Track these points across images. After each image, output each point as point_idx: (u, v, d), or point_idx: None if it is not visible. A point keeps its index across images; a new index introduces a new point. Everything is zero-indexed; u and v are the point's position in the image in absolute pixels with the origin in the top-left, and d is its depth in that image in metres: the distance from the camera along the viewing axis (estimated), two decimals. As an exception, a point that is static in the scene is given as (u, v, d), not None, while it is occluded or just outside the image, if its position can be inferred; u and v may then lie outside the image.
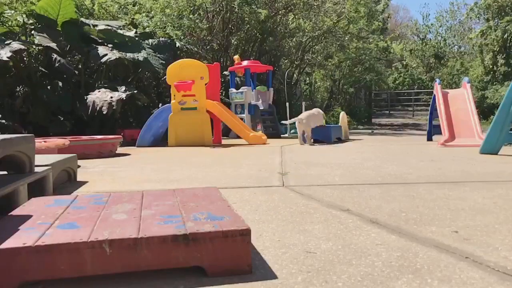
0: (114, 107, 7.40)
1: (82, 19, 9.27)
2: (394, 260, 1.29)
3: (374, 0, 16.11)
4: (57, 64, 8.24)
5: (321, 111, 7.39)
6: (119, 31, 9.19)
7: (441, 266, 1.23)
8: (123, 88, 8.05)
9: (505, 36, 17.16)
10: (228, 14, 12.94)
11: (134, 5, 12.83)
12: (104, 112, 7.39)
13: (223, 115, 7.12)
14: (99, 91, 7.84)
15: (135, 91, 8.11)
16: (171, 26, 12.10)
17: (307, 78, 20.21)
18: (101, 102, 7.46)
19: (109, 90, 7.88)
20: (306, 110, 10.56)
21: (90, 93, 7.84)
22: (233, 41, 13.35)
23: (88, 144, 5.03)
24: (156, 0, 12.49)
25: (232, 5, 12.30)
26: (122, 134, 7.21)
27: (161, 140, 7.14)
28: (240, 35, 13.16)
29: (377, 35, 17.03)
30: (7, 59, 6.88)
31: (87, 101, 7.62)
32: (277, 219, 1.82)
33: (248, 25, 12.68)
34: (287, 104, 10.07)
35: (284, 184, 2.79)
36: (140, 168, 3.82)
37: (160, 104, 8.87)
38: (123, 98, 7.58)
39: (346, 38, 15.68)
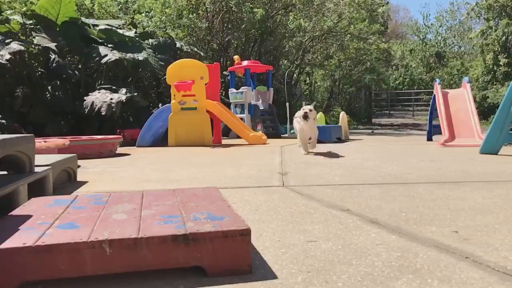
0: (113, 109, 7.39)
1: (82, 18, 9.28)
2: (394, 260, 1.29)
3: (375, 3, 16.12)
4: (56, 64, 8.23)
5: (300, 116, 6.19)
6: (119, 30, 9.19)
7: (441, 266, 1.23)
8: (124, 90, 8.04)
9: (506, 36, 17.15)
10: (228, 14, 12.95)
11: (133, 3, 12.84)
12: (103, 113, 7.39)
13: (223, 115, 7.12)
14: (99, 92, 7.83)
15: (135, 94, 8.11)
16: (171, 26, 12.11)
17: (307, 78, 20.23)
18: (100, 103, 7.46)
19: (109, 91, 7.88)
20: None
21: (90, 93, 7.83)
22: (232, 40, 13.35)
23: (88, 144, 5.03)
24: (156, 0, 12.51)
25: (230, 4, 12.31)
26: (122, 134, 7.21)
27: (161, 140, 7.14)
28: (239, 34, 13.16)
29: (377, 37, 17.03)
30: (6, 62, 6.88)
31: (86, 101, 7.61)
32: (277, 219, 1.82)
33: (246, 24, 12.68)
34: (287, 104, 10.07)
35: (284, 184, 2.79)
36: (140, 168, 3.82)
37: (160, 104, 8.87)
38: (123, 100, 7.58)
39: (346, 39, 15.69)
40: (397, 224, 1.72)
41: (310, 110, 4.69)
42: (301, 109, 4.86)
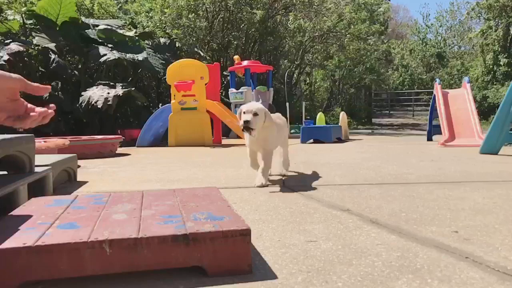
0: (109, 102, 7.39)
1: (82, 18, 9.29)
2: (394, 260, 1.29)
3: (375, 4, 16.12)
4: (56, 64, 8.24)
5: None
6: (119, 30, 9.20)
7: (441, 266, 1.23)
8: (120, 85, 8.06)
9: (507, 35, 17.16)
10: (228, 14, 12.95)
11: (133, 3, 12.86)
12: (99, 106, 7.39)
13: (223, 115, 7.12)
14: (96, 87, 7.85)
15: (133, 88, 8.12)
16: (170, 25, 12.12)
17: (307, 78, 20.24)
18: (97, 97, 7.47)
19: (107, 87, 7.89)
20: (306, 110, 10.55)
21: (88, 89, 7.85)
22: (232, 40, 13.36)
23: (88, 144, 5.03)
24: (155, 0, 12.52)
25: (228, 5, 12.33)
26: (122, 134, 7.22)
27: (161, 140, 7.14)
28: (238, 34, 13.16)
29: (377, 37, 17.03)
30: (4, 63, 6.90)
31: (83, 96, 7.61)
32: (277, 219, 1.82)
33: (246, 24, 12.68)
34: (287, 104, 10.08)
35: (284, 184, 2.79)
36: (140, 168, 3.81)
37: (160, 104, 8.87)
38: (119, 95, 7.58)
39: (346, 39, 15.69)
40: (397, 224, 1.72)
41: (256, 114, 2.55)
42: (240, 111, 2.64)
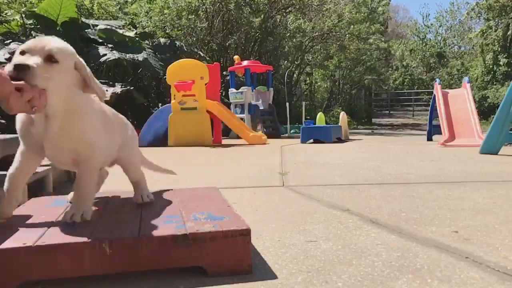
0: (107, 98, 7.43)
1: (82, 19, 9.30)
2: (394, 260, 1.29)
3: (374, 1, 16.13)
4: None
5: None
6: (119, 30, 9.22)
7: (441, 266, 1.23)
8: (119, 85, 8.08)
9: (507, 35, 17.17)
10: (227, 15, 12.96)
11: (132, 3, 12.87)
12: None
13: (223, 115, 7.12)
14: None
15: (131, 87, 8.14)
16: (170, 25, 12.13)
17: (307, 78, 20.25)
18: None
19: (105, 86, 7.91)
20: (306, 110, 10.55)
21: None
22: (232, 41, 13.36)
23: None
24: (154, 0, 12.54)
25: (229, 7, 12.34)
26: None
27: (161, 140, 7.14)
28: (239, 35, 13.17)
29: (377, 36, 17.03)
30: (5, 61, 6.91)
31: None
32: (277, 219, 1.82)
33: (246, 27, 12.70)
34: (287, 104, 10.08)
35: (284, 184, 2.79)
36: (140, 168, 3.81)
37: (160, 104, 8.88)
38: (117, 92, 7.60)
39: (346, 39, 15.69)
40: (397, 224, 1.72)
41: (52, 60, 1.21)
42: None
